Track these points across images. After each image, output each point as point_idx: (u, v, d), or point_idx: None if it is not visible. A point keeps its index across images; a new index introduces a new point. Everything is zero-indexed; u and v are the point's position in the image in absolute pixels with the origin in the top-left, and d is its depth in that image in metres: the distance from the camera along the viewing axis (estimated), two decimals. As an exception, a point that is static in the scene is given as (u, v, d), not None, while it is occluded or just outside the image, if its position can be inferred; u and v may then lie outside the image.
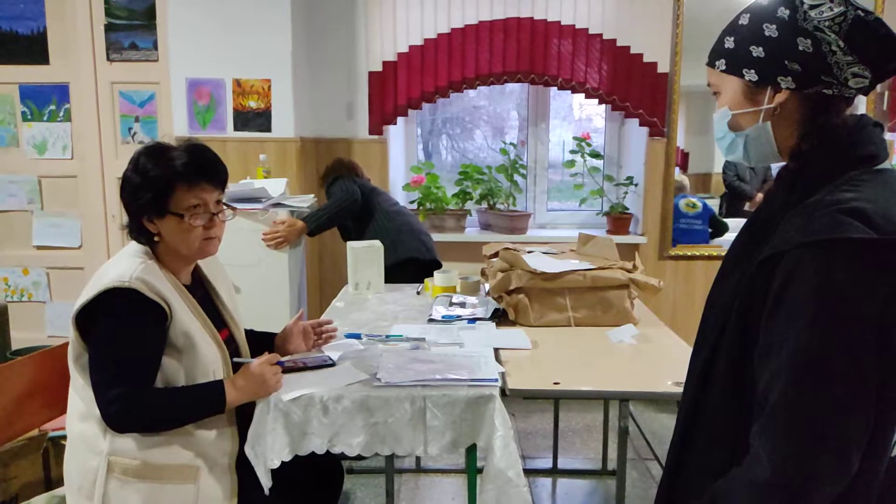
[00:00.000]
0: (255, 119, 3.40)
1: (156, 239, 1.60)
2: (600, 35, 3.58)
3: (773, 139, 1.00)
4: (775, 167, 1.06)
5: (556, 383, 1.73)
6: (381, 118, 3.68)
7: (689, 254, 3.75)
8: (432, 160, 4.20)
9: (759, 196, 3.78)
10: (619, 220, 3.80)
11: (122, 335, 1.51)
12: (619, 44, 3.59)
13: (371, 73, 3.63)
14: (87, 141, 3.61)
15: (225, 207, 1.68)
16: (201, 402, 1.58)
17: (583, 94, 3.67)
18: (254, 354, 1.80)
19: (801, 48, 0.93)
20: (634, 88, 3.62)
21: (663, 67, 3.61)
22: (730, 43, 1.00)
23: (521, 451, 3.13)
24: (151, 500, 1.55)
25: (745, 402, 0.93)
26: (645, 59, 3.60)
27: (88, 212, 3.66)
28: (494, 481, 1.58)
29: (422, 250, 3.09)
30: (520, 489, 1.58)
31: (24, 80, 3.58)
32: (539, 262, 2.35)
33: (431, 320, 2.25)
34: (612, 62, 3.60)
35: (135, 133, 3.60)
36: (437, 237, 3.67)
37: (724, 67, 1.01)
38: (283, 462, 1.61)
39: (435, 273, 2.62)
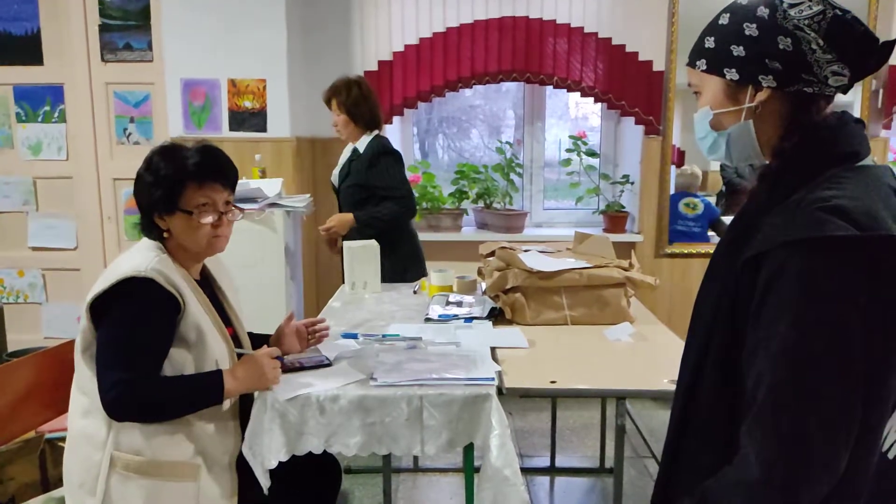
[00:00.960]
0: (250, 119, 3.40)
1: (165, 235, 1.65)
2: (595, 34, 3.59)
3: (755, 138, 1.00)
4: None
5: (552, 382, 1.73)
6: (377, 117, 3.67)
7: (686, 251, 3.75)
8: (428, 159, 4.20)
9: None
10: (615, 218, 3.81)
11: (132, 322, 1.54)
12: (614, 42, 3.59)
13: (367, 73, 3.63)
14: (81, 142, 3.60)
15: (233, 208, 1.72)
16: (200, 392, 1.60)
17: (578, 93, 3.67)
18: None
19: (781, 47, 0.93)
20: (630, 87, 3.63)
21: (658, 66, 3.62)
22: (710, 42, 1.00)
23: (519, 450, 3.13)
24: (153, 496, 1.57)
25: (736, 402, 0.93)
26: (640, 58, 3.60)
27: (84, 213, 3.65)
28: (491, 480, 1.58)
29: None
30: (517, 488, 1.58)
31: (18, 81, 3.57)
32: (535, 260, 2.35)
33: (428, 319, 2.25)
34: (608, 61, 3.61)
35: (130, 134, 3.59)
36: (433, 236, 3.68)
37: (704, 67, 1.01)
38: (281, 461, 1.61)
39: (431, 272, 2.62)
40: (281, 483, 1.64)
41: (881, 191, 0.90)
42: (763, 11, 0.95)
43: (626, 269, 2.31)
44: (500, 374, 1.74)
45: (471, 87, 3.72)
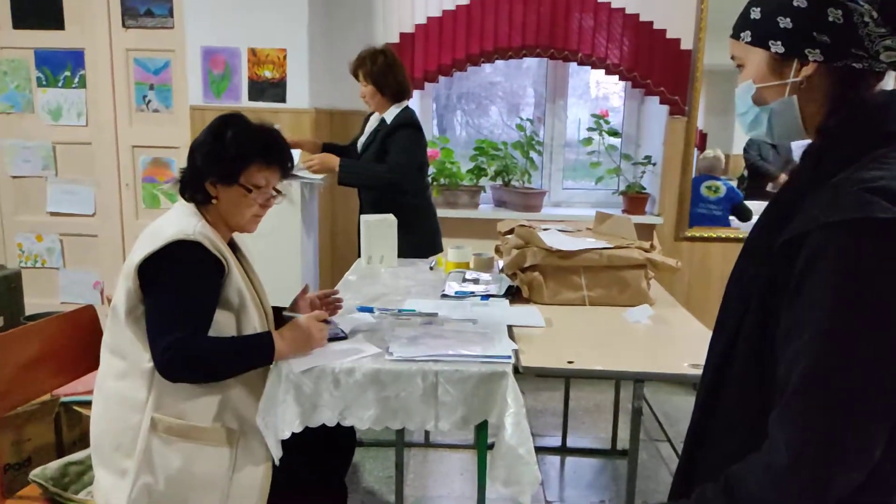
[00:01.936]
0: (270, 89, 3.37)
1: (214, 202, 1.67)
2: (623, 9, 3.50)
3: (799, 114, 0.96)
4: (797, 147, 1.02)
5: (570, 362, 1.71)
6: (397, 91, 3.63)
7: (706, 235, 3.70)
8: (447, 136, 4.15)
9: (783, 176, 3.71)
10: (635, 199, 3.76)
11: (183, 284, 1.57)
12: (641, 19, 3.51)
13: (388, 45, 3.57)
14: (101, 108, 3.59)
15: (277, 194, 1.75)
16: (252, 351, 1.63)
17: (603, 70, 3.60)
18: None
19: (830, 19, 0.89)
20: (656, 65, 3.55)
21: (686, 44, 3.53)
22: (756, 14, 0.96)
23: (531, 429, 3.13)
24: (190, 460, 1.59)
25: (766, 386, 0.91)
26: (668, 36, 3.52)
27: (103, 179, 3.66)
28: (505, 458, 1.57)
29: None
30: (531, 466, 1.57)
31: (39, 45, 3.56)
32: (555, 239, 2.32)
33: (444, 296, 2.24)
34: (634, 38, 3.53)
35: (149, 101, 3.57)
36: (450, 213, 3.65)
37: (749, 39, 0.97)
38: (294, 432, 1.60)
39: (448, 249, 2.59)
40: (293, 452, 1.64)
41: None
42: None
43: (647, 251, 2.27)
44: (516, 352, 1.72)
45: (493, 62, 3.66)
